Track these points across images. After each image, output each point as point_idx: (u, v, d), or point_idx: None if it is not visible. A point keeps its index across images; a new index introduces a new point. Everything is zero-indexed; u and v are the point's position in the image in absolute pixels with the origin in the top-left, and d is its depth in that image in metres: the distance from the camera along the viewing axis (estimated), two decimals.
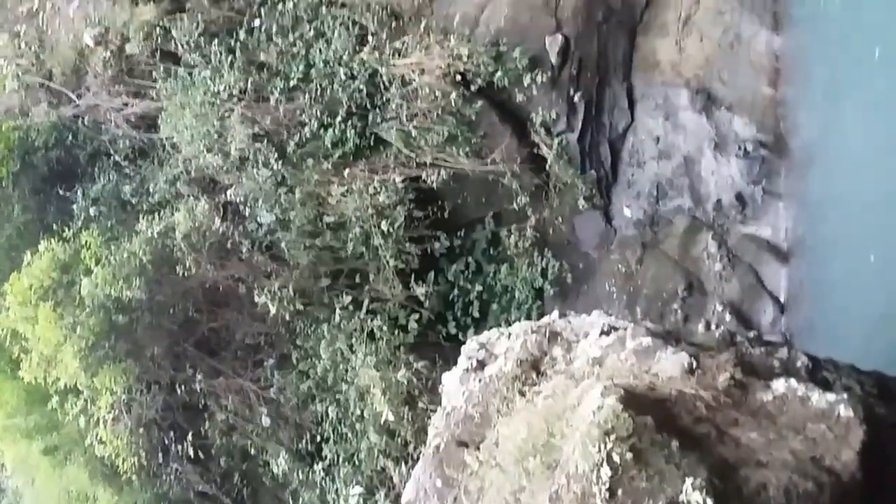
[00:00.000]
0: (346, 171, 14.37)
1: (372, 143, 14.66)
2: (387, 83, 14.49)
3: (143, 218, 14.52)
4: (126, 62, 15.86)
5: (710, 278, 12.83)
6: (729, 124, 12.80)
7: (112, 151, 16.03)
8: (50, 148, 16.21)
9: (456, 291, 14.51)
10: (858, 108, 10.92)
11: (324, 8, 15.37)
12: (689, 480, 4.07)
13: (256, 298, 13.72)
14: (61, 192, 16.14)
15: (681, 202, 13.34)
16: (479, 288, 14.37)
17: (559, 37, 13.84)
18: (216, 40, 15.26)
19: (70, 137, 16.32)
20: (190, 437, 14.26)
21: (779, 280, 12.36)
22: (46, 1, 17.23)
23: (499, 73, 13.78)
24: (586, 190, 13.96)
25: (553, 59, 13.82)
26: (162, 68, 15.58)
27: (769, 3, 12.75)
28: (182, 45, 15.40)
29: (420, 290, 13.94)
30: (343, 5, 15.39)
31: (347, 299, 14.01)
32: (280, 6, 15.43)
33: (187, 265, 13.82)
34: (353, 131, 14.38)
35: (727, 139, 12.80)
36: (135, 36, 15.45)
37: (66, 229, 15.06)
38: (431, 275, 14.34)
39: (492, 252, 14.72)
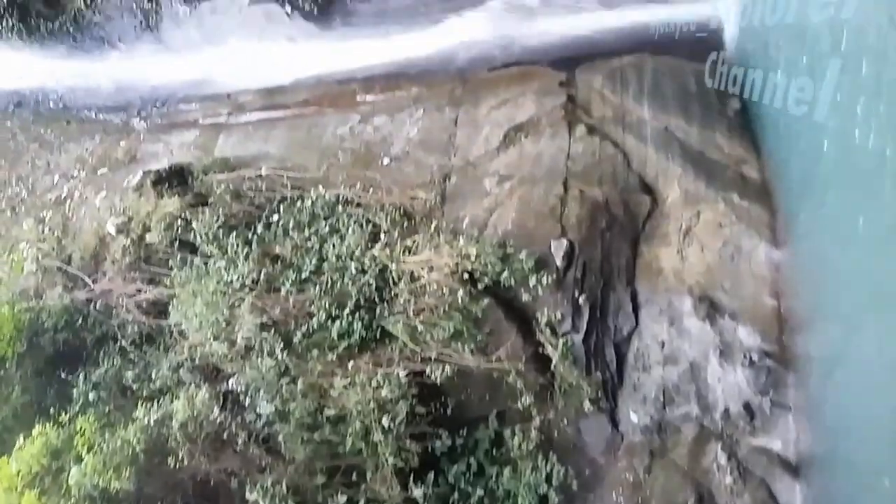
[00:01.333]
0: (351, 363, 14.31)
1: (378, 336, 14.71)
2: (396, 278, 14.83)
3: (141, 405, 14.30)
4: (144, 250, 16.43)
5: (721, 492, 12.29)
6: (733, 332, 12.85)
7: (120, 336, 16.12)
8: (59, 330, 16.33)
9: (456, 495, 13.85)
10: (861, 321, 10.93)
11: (340, 206, 16.16)
12: None
13: (248, 495, 13.17)
14: (63, 374, 16.03)
15: (688, 409, 13.07)
16: (480, 492, 13.74)
17: (564, 241, 14.30)
18: (234, 233, 15.89)
19: (80, 321, 16.48)
20: None
21: (792, 496, 11.81)
22: (75, 190, 18.20)
23: (505, 273, 14.10)
24: (592, 392, 13.75)
25: (558, 261, 14.18)
26: (179, 257, 16.10)
27: (766, 219, 13.29)
28: (201, 236, 16.01)
29: (418, 492, 13.34)
30: (358, 205, 16.17)
31: (343, 499, 13.40)
32: (299, 203, 16.24)
33: (181, 456, 13.41)
34: (360, 324, 14.49)
35: (732, 347, 12.79)
36: (156, 226, 16.13)
37: (63, 413, 14.83)
38: (431, 475, 13.78)
39: (494, 453, 14.22)
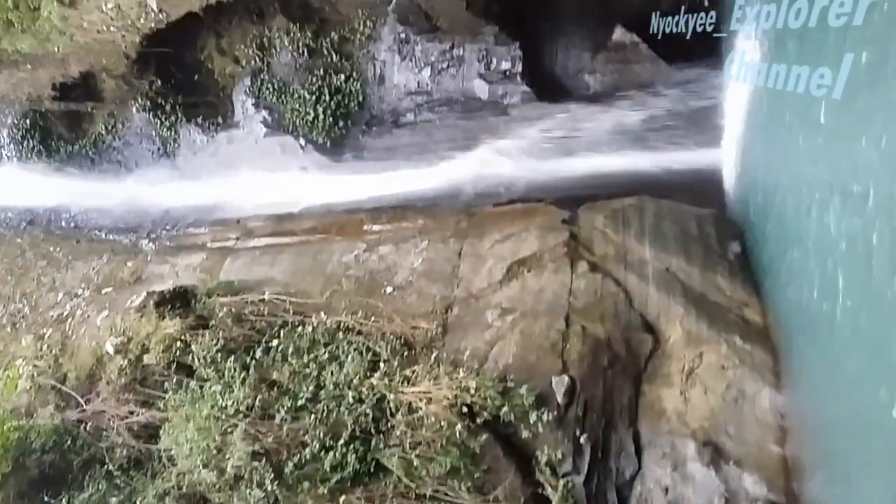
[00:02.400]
0: (342, 497, 13.85)
1: (372, 470, 14.28)
2: (393, 409, 14.58)
3: None
4: (141, 371, 16.32)
5: None
6: (738, 480, 12.44)
7: (107, 460, 15.72)
8: (46, 451, 15.96)
9: None
10: (870, 473, 10.64)
11: (340, 333, 16.15)
12: None
13: None
14: (47, 498, 15.50)
15: None
16: None
17: (565, 378, 14.13)
18: (233, 357, 15.80)
19: (69, 442, 16.15)
20: None
21: None
22: (77, 308, 18.28)
23: (505, 408, 13.84)
24: None
25: (559, 398, 13.97)
26: (175, 380, 15.93)
27: (769, 363, 13.19)
28: (199, 359, 15.92)
29: None
30: (359, 332, 16.16)
31: None
32: (299, 329, 16.24)
33: None
34: (354, 456, 14.10)
35: (738, 496, 12.33)
36: (155, 348, 16.09)
37: None
38: None
39: None
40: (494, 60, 21.10)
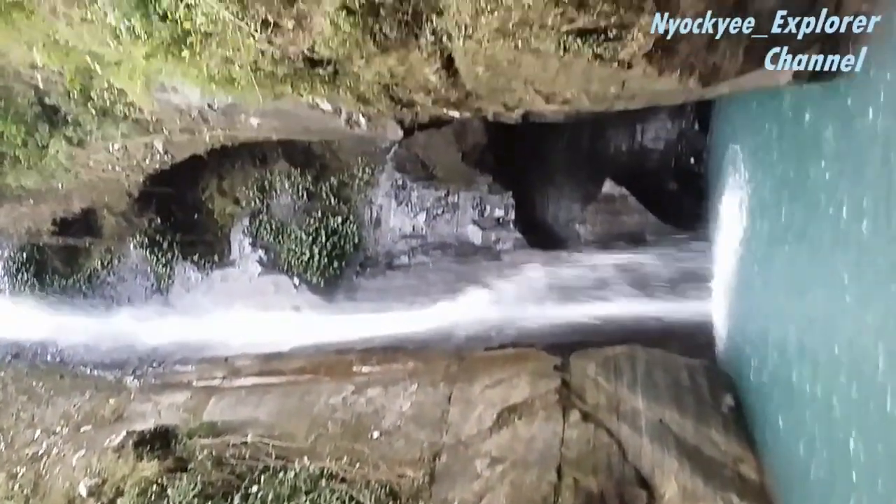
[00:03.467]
0: None
1: None
2: None
3: None
4: None
5: None
6: None
7: None
8: None
9: None
10: None
11: (323, 481, 15.58)
12: None
13: None
14: None
15: None
16: None
17: None
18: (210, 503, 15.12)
19: None
20: None
21: None
22: (54, 447, 17.66)
23: None
24: None
25: None
26: None
27: None
28: None
29: None
30: (343, 480, 15.62)
31: None
32: (281, 475, 15.70)
33: None
34: None
35: None
36: (130, 491, 15.46)
37: None
38: None
39: None
40: (488, 208, 21.69)
